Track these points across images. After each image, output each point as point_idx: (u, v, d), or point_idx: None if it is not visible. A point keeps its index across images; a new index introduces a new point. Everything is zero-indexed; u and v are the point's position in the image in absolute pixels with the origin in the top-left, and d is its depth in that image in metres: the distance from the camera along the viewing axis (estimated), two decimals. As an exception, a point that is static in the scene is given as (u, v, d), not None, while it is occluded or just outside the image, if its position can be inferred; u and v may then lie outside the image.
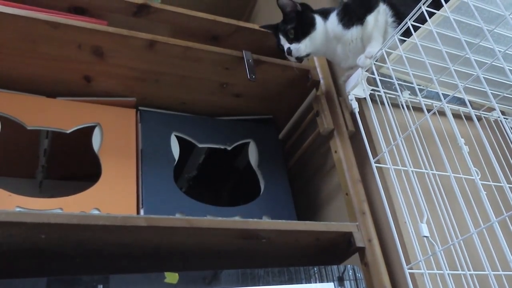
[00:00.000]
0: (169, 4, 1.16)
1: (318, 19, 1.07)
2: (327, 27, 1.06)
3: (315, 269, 0.90)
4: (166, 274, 0.77)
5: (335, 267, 0.91)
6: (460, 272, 0.80)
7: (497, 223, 0.67)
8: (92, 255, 0.86)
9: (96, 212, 0.95)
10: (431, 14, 0.85)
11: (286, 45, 1.07)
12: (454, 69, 0.80)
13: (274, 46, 1.13)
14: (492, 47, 0.75)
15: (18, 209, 0.90)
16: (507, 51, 0.79)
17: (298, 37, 1.06)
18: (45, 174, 1.32)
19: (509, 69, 0.70)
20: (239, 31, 1.23)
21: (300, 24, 1.07)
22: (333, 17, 1.05)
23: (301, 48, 1.06)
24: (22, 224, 0.72)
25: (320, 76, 1.23)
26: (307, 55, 1.09)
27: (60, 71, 1.07)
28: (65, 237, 0.79)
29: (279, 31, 1.10)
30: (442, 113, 0.96)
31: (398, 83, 0.94)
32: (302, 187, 1.33)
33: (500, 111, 1.13)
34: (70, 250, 0.83)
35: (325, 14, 1.08)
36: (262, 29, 1.20)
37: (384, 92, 0.97)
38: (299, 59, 1.10)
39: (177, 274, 0.78)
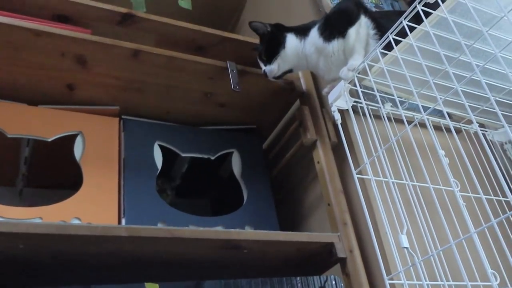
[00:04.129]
0: (154, 13, 1.16)
1: (290, 36, 1.09)
2: (305, 43, 1.07)
3: (298, 279, 0.91)
4: (147, 284, 0.77)
5: (317, 277, 0.92)
6: (439, 282, 0.81)
7: (476, 234, 0.68)
8: (72, 265, 0.85)
9: (76, 221, 0.94)
10: (412, 29, 0.87)
11: (263, 67, 1.10)
12: (434, 83, 0.81)
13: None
14: (470, 61, 0.76)
15: (-4, 218, 0.88)
16: (485, 66, 0.81)
17: (270, 58, 1.08)
18: (25, 183, 1.30)
19: (486, 83, 0.72)
20: (224, 42, 1.24)
21: (270, 44, 1.09)
22: (314, 32, 1.06)
23: (273, 68, 1.08)
24: None
25: (304, 87, 1.24)
26: (285, 73, 1.10)
27: (42, 79, 1.06)
28: (44, 247, 0.78)
29: (257, 55, 1.12)
30: (423, 125, 0.97)
31: (380, 95, 0.95)
32: (285, 197, 1.33)
33: (480, 123, 1.15)
34: (49, 260, 0.82)
35: (304, 30, 1.09)
36: (248, 41, 1.22)
37: (366, 104, 0.98)
38: (277, 78, 1.11)
39: (157, 285, 0.78)
